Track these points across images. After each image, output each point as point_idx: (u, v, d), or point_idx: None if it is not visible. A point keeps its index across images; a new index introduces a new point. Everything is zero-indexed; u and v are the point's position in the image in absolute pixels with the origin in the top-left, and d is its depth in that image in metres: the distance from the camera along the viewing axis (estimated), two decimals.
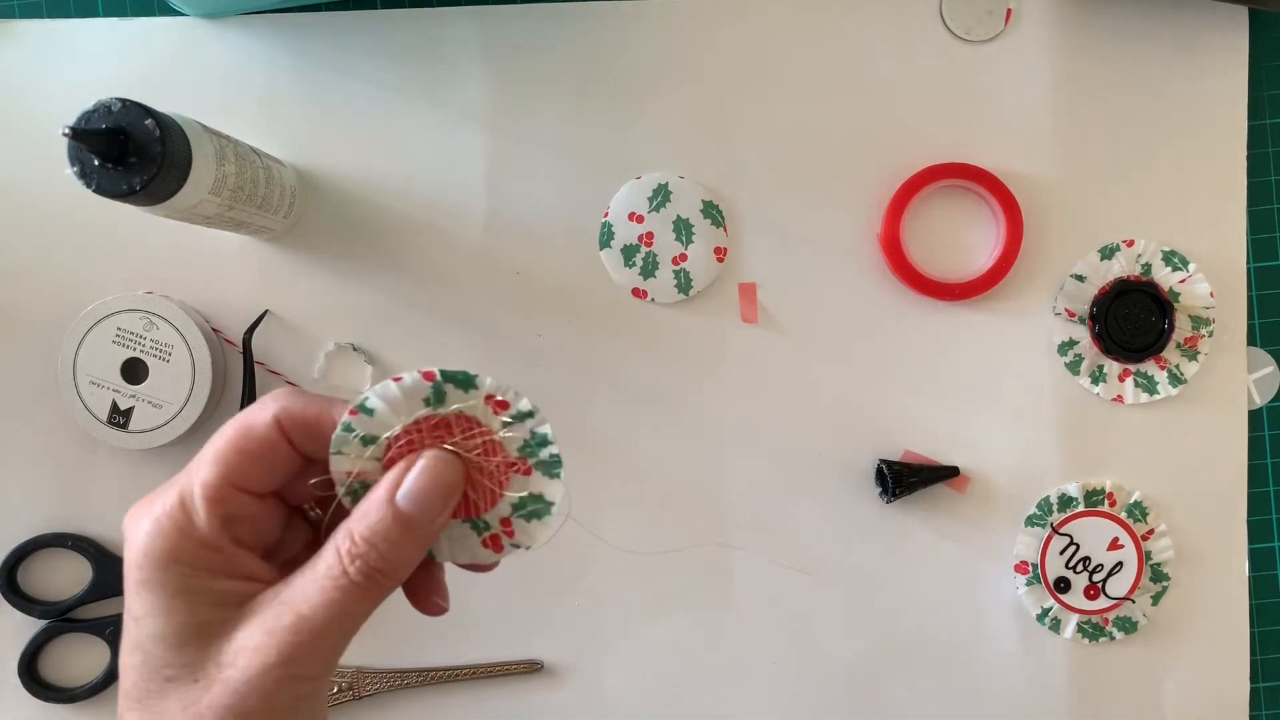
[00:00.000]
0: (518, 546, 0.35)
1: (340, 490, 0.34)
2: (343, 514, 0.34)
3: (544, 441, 0.34)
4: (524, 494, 0.35)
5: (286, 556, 0.36)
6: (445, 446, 0.33)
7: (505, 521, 0.35)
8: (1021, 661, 0.56)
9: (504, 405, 0.34)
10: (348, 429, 0.33)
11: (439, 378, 0.33)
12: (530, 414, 0.34)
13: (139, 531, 0.33)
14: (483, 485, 0.34)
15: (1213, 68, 0.56)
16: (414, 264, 0.56)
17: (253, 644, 0.31)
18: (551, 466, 0.35)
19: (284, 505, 0.35)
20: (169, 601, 0.32)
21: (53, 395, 0.55)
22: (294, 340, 0.56)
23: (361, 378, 0.56)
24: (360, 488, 0.34)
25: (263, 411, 0.33)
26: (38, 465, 0.56)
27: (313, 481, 0.34)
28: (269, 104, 0.56)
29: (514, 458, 0.34)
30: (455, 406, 0.33)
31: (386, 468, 0.34)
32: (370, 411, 0.33)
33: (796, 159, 0.56)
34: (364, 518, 0.33)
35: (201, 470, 0.33)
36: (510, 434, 0.34)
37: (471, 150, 0.56)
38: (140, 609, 0.32)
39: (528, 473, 0.35)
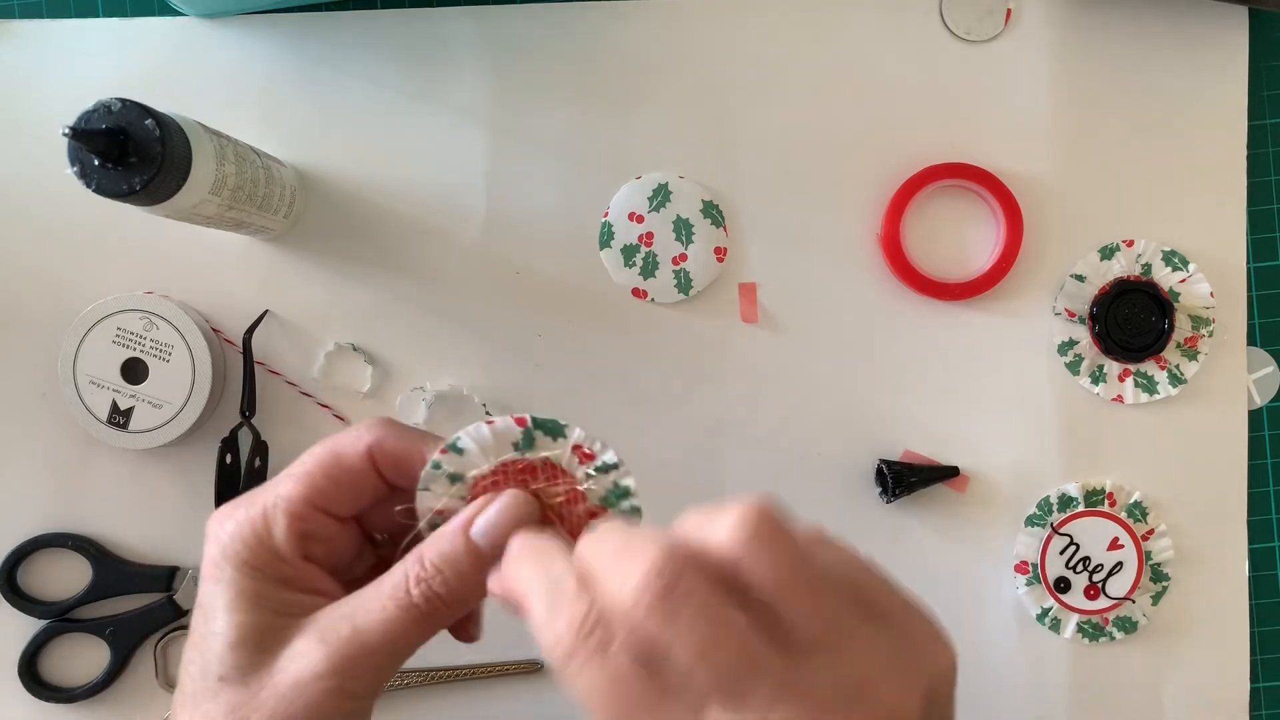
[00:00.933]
0: None
1: (422, 524, 0.35)
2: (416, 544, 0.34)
3: (625, 494, 0.35)
4: None
5: (352, 578, 0.36)
6: (535, 492, 0.34)
7: None
8: (1021, 661, 0.56)
9: (590, 456, 0.35)
10: (436, 466, 0.34)
11: (530, 424, 0.34)
12: (615, 466, 0.34)
13: (221, 532, 0.34)
14: (562, 533, 0.35)
15: (1213, 68, 0.56)
16: (414, 264, 0.56)
17: (306, 649, 0.32)
18: (631, 517, 0.35)
19: (360, 529, 0.36)
20: (234, 600, 0.33)
21: (53, 395, 0.55)
22: (294, 340, 0.56)
23: (361, 378, 0.56)
24: (442, 523, 0.35)
25: (357, 441, 0.35)
26: (38, 465, 0.56)
27: (398, 509, 0.35)
28: (269, 104, 0.56)
29: (594, 507, 0.35)
30: (543, 454, 0.34)
31: (469, 500, 0.35)
32: (460, 451, 0.34)
33: (796, 159, 0.56)
34: (436, 544, 0.33)
35: (287, 486, 0.34)
36: (593, 485, 0.35)
37: (471, 150, 0.56)
38: (209, 604, 0.33)
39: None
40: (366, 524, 0.36)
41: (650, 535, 0.28)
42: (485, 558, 0.33)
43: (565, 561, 0.30)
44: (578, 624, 0.27)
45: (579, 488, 0.34)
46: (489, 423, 0.34)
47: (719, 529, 0.28)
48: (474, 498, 0.34)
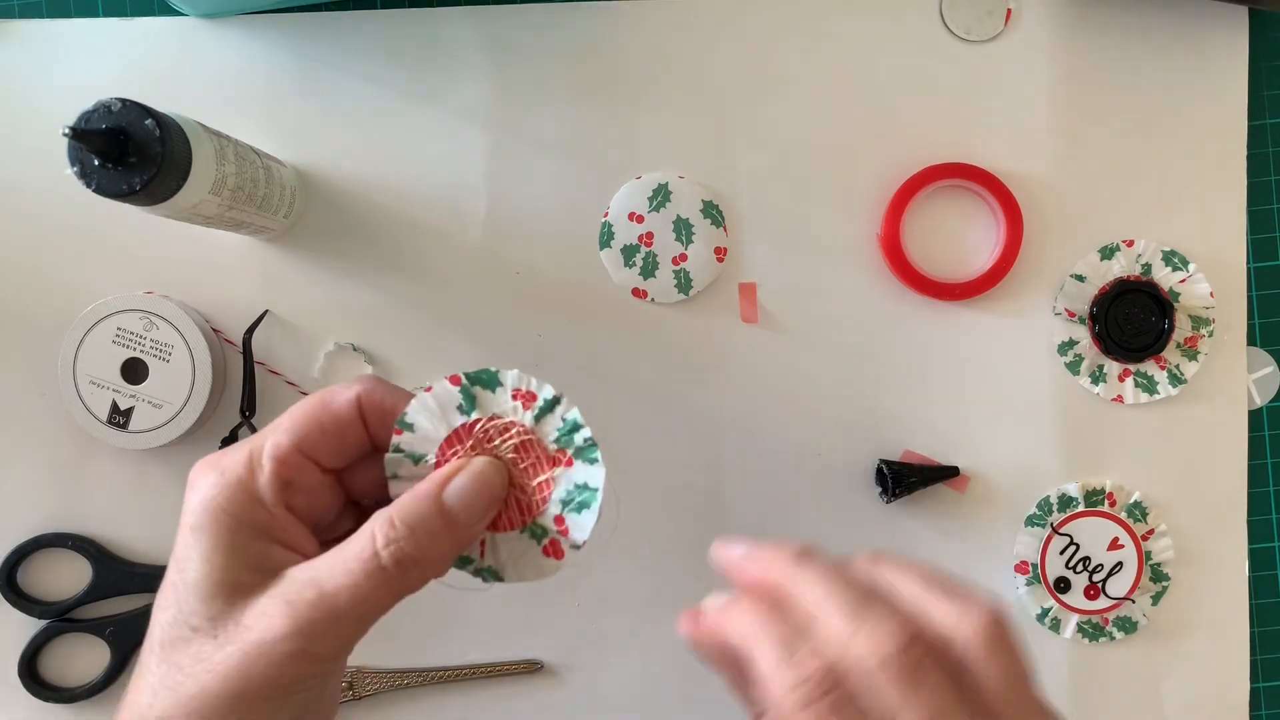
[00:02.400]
0: (575, 547, 0.36)
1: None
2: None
3: (575, 426, 0.36)
4: (570, 486, 0.36)
5: (333, 538, 0.36)
6: (489, 451, 0.35)
7: (559, 520, 0.36)
8: None
9: (531, 397, 0.35)
10: (397, 449, 0.35)
11: (464, 381, 0.35)
12: (557, 400, 0.35)
13: (202, 481, 0.34)
14: (528, 487, 0.36)
15: (1213, 68, 0.56)
16: (414, 264, 0.56)
17: (271, 611, 0.32)
18: (588, 452, 0.36)
19: (341, 490, 0.36)
20: (211, 552, 0.32)
21: (53, 395, 0.55)
22: (294, 340, 0.56)
23: None
24: None
25: (346, 390, 0.35)
26: (38, 465, 0.56)
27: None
28: (269, 104, 0.56)
29: (553, 451, 0.36)
30: (490, 413, 0.35)
31: None
32: (411, 426, 0.35)
33: (796, 159, 0.56)
34: (407, 505, 0.33)
35: (274, 432, 0.34)
36: (544, 427, 0.35)
37: (471, 150, 0.56)
38: (184, 554, 0.33)
39: (569, 464, 0.36)
40: (349, 484, 0.36)
41: (884, 603, 0.30)
42: (457, 520, 0.33)
43: (789, 614, 0.31)
44: (820, 677, 0.29)
45: (531, 435, 0.35)
46: (427, 390, 0.35)
47: (968, 615, 0.30)
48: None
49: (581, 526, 0.36)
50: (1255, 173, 0.57)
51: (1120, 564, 0.56)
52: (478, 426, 0.35)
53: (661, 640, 0.56)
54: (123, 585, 0.55)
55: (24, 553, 0.55)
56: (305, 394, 0.56)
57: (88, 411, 0.53)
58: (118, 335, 0.53)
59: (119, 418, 0.53)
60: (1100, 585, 0.56)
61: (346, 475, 0.36)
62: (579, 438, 0.36)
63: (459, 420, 0.35)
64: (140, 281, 0.55)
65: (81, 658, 0.56)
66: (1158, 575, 0.56)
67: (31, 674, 0.55)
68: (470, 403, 0.35)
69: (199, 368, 0.53)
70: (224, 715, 0.31)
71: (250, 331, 0.54)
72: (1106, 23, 0.56)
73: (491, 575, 0.37)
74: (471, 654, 0.56)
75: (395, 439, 0.35)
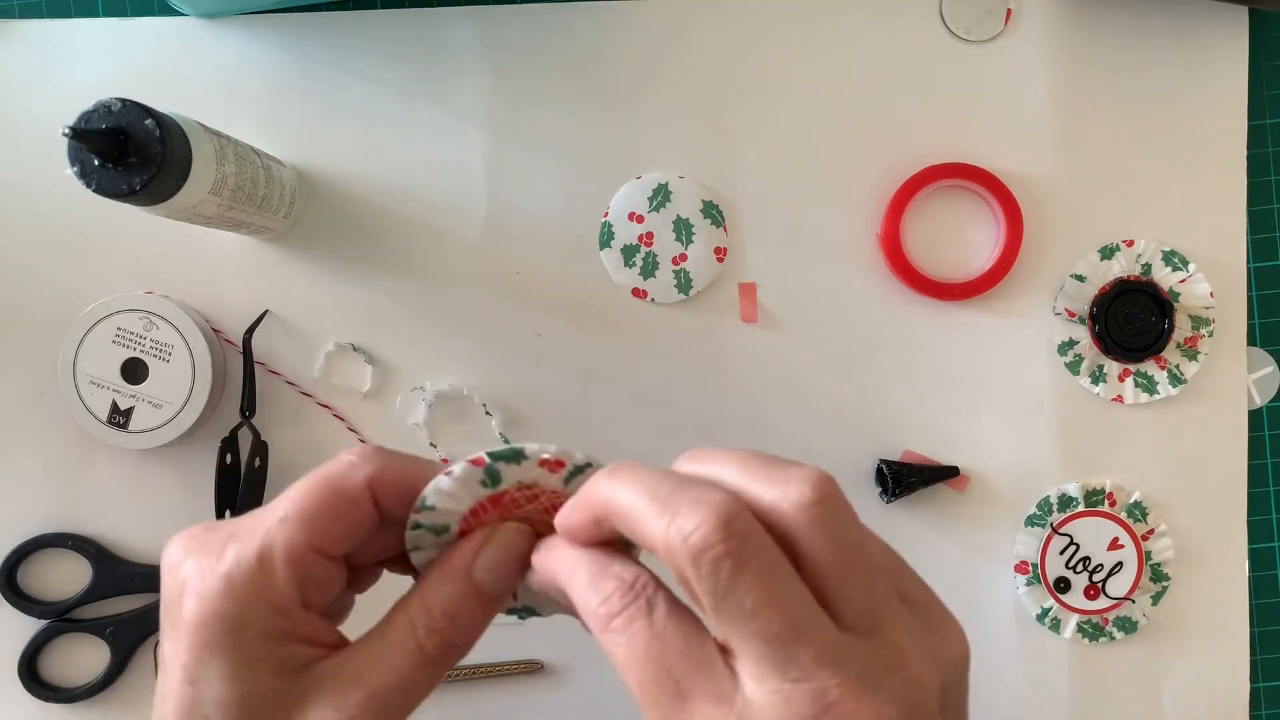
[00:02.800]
0: None
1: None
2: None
3: None
4: None
5: (334, 609, 0.35)
6: (519, 517, 0.33)
7: None
8: (1021, 661, 0.56)
9: (560, 464, 0.33)
10: (416, 526, 0.33)
11: (488, 461, 0.33)
12: (588, 465, 0.33)
13: (207, 587, 0.30)
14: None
15: (1213, 68, 0.56)
16: (414, 264, 0.56)
17: (320, 717, 0.30)
18: None
19: (345, 564, 0.34)
20: (236, 668, 0.30)
21: (53, 395, 0.55)
22: (294, 340, 0.56)
23: (361, 378, 0.56)
24: None
25: (354, 473, 0.32)
26: (38, 465, 0.56)
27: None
28: (269, 104, 0.56)
29: None
30: (514, 480, 0.33)
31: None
32: (432, 509, 0.33)
33: (796, 159, 0.56)
34: (440, 589, 0.32)
35: (285, 530, 0.31)
36: (573, 488, 0.33)
37: (471, 150, 0.56)
38: (201, 672, 0.30)
39: None
40: (352, 555, 0.34)
41: (706, 483, 0.28)
42: (491, 596, 0.32)
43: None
44: (623, 590, 0.28)
45: (562, 494, 0.33)
46: (448, 474, 0.32)
47: (787, 491, 0.28)
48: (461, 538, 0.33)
49: None
50: (1255, 173, 0.57)
51: (1120, 564, 0.56)
52: (505, 497, 0.33)
53: None
54: (123, 585, 0.55)
55: (24, 553, 0.55)
56: (306, 394, 0.56)
57: (88, 411, 0.53)
58: (118, 335, 0.53)
59: (119, 418, 0.53)
60: (1100, 585, 0.56)
61: (355, 549, 0.34)
62: None
63: (483, 493, 0.33)
64: (140, 281, 0.55)
65: (81, 658, 0.56)
66: (1158, 575, 0.56)
67: (31, 674, 0.55)
68: (494, 479, 0.33)
69: (199, 368, 0.53)
70: None
71: (250, 331, 0.54)
72: (1106, 23, 0.56)
73: (528, 612, 0.36)
74: (471, 654, 0.56)
75: (414, 517, 0.33)
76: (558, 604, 0.34)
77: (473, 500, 0.33)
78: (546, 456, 0.33)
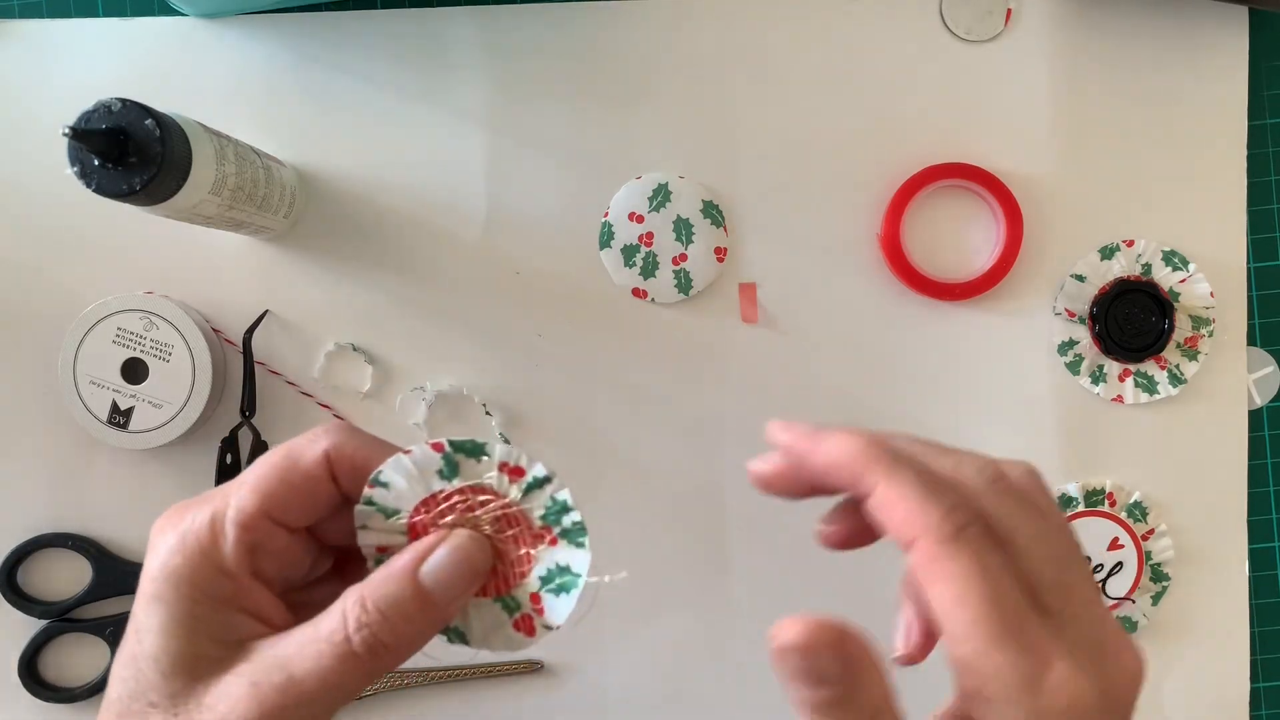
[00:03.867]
0: (548, 628, 0.34)
1: (370, 564, 0.33)
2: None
3: (565, 508, 0.33)
4: (551, 566, 0.33)
5: (304, 589, 0.35)
6: (471, 521, 0.33)
7: (535, 598, 0.34)
8: None
9: (519, 472, 0.33)
10: (369, 503, 0.33)
11: (448, 448, 0.32)
12: (547, 479, 0.33)
13: (163, 544, 0.32)
14: (509, 557, 0.33)
15: (1213, 68, 0.56)
16: (414, 264, 0.56)
17: (236, 693, 0.30)
18: (575, 535, 0.33)
19: (313, 542, 0.34)
20: (172, 624, 0.31)
21: (53, 395, 0.55)
22: (294, 340, 0.56)
23: (361, 378, 0.56)
24: (387, 559, 0.33)
25: (313, 445, 0.32)
26: (38, 465, 0.56)
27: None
28: (269, 104, 0.56)
29: (539, 527, 0.33)
30: (471, 481, 0.32)
31: (412, 540, 0.33)
32: (386, 485, 0.32)
33: (796, 159, 0.56)
34: (381, 585, 0.31)
35: (239, 494, 0.32)
36: (530, 503, 0.33)
37: (471, 150, 0.56)
38: (144, 624, 0.31)
39: (554, 543, 0.33)
40: (320, 534, 0.34)
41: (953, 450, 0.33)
42: (434, 601, 0.31)
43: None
44: (965, 505, 0.29)
45: (516, 505, 0.32)
46: (407, 452, 0.32)
47: (1008, 466, 0.33)
48: (412, 533, 0.33)
49: (558, 611, 0.34)
50: (1255, 173, 0.57)
51: (1120, 564, 0.56)
52: (457, 494, 0.32)
53: (661, 640, 0.56)
54: (123, 585, 0.55)
55: (24, 553, 0.55)
56: (306, 394, 0.56)
57: (88, 411, 0.53)
58: (118, 335, 0.53)
59: (119, 418, 0.53)
60: (1100, 585, 0.56)
61: (317, 527, 0.34)
62: (567, 520, 0.33)
63: (438, 485, 0.32)
64: (140, 281, 0.55)
65: (81, 658, 0.56)
66: (1158, 575, 0.56)
67: (31, 674, 0.55)
68: (452, 469, 0.32)
69: (199, 368, 0.53)
70: None
71: (250, 331, 0.54)
72: (1106, 23, 0.56)
73: (458, 638, 0.34)
74: (472, 654, 0.56)
75: (368, 492, 0.32)
76: (493, 636, 0.34)
77: (426, 489, 0.32)
78: (507, 461, 0.32)
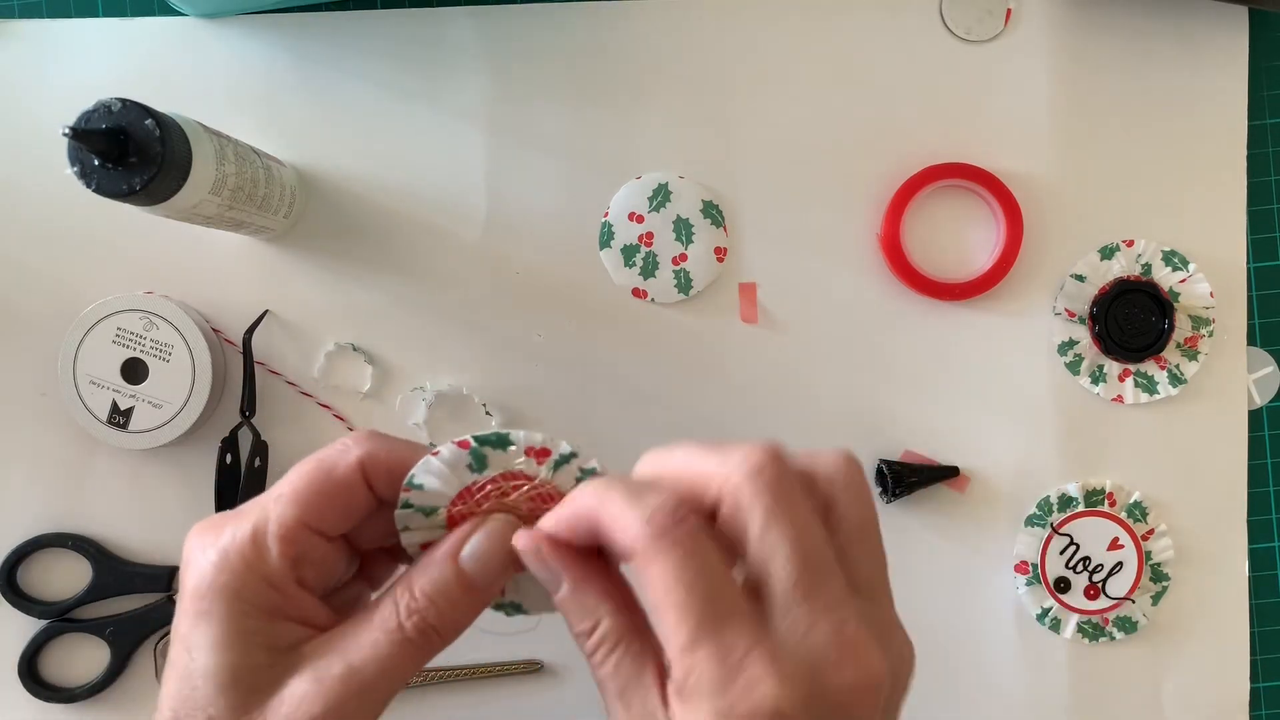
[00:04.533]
0: None
1: (415, 564, 0.34)
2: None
3: (594, 475, 0.35)
4: None
5: (344, 599, 0.36)
6: (508, 505, 0.34)
7: None
8: (1021, 661, 0.56)
9: (545, 453, 0.34)
10: (407, 505, 0.34)
11: (473, 444, 0.33)
12: (573, 455, 0.34)
13: (204, 560, 0.32)
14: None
15: (1213, 68, 0.56)
16: (414, 264, 0.56)
17: (300, 692, 0.31)
18: None
19: (346, 547, 0.35)
20: (225, 639, 0.31)
21: (53, 395, 0.55)
22: (294, 340, 0.56)
23: (361, 378, 0.56)
24: None
25: (346, 454, 0.33)
26: (38, 465, 0.56)
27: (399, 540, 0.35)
28: (269, 104, 0.56)
29: None
30: (500, 470, 0.34)
31: (449, 530, 0.34)
32: (420, 487, 0.34)
33: (796, 159, 0.56)
34: (426, 573, 0.33)
35: (278, 508, 0.33)
36: (560, 478, 0.34)
37: (471, 150, 0.56)
38: (194, 641, 0.32)
39: None
40: (353, 538, 0.35)
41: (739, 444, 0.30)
42: (475, 584, 0.33)
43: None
44: (671, 505, 0.28)
45: (548, 486, 0.34)
46: (435, 453, 0.33)
47: (826, 459, 0.31)
48: (451, 525, 0.34)
49: None
50: (1255, 173, 0.57)
51: (1120, 564, 0.56)
52: (491, 483, 0.34)
53: None
54: (123, 585, 0.55)
55: (24, 553, 0.55)
56: (306, 394, 0.56)
57: (88, 411, 0.53)
58: (118, 335, 0.53)
59: (119, 418, 0.53)
60: (1100, 585, 0.56)
61: (352, 532, 0.35)
62: None
63: (470, 478, 0.34)
64: (140, 281, 0.55)
65: (81, 658, 0.56)
66: (1158, 575, 0.56)
67: (31, 674, 0.55)
68: (481, 462, 0.34)
69: (199, 368, 0.53)
70: None
71: (250, 331, 0.54)
72: (1106, 23, 0.56)
73: (514, 609, 0.37)
74: (471, 654, 0.56)
75: (404, 496, 0.34)
76: (546, 600, 0.34)
77: (460, 484, 0.34)
78: (532, 445, 0.34)
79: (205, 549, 0.33)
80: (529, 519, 0.34)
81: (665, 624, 0.28)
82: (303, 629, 0.33)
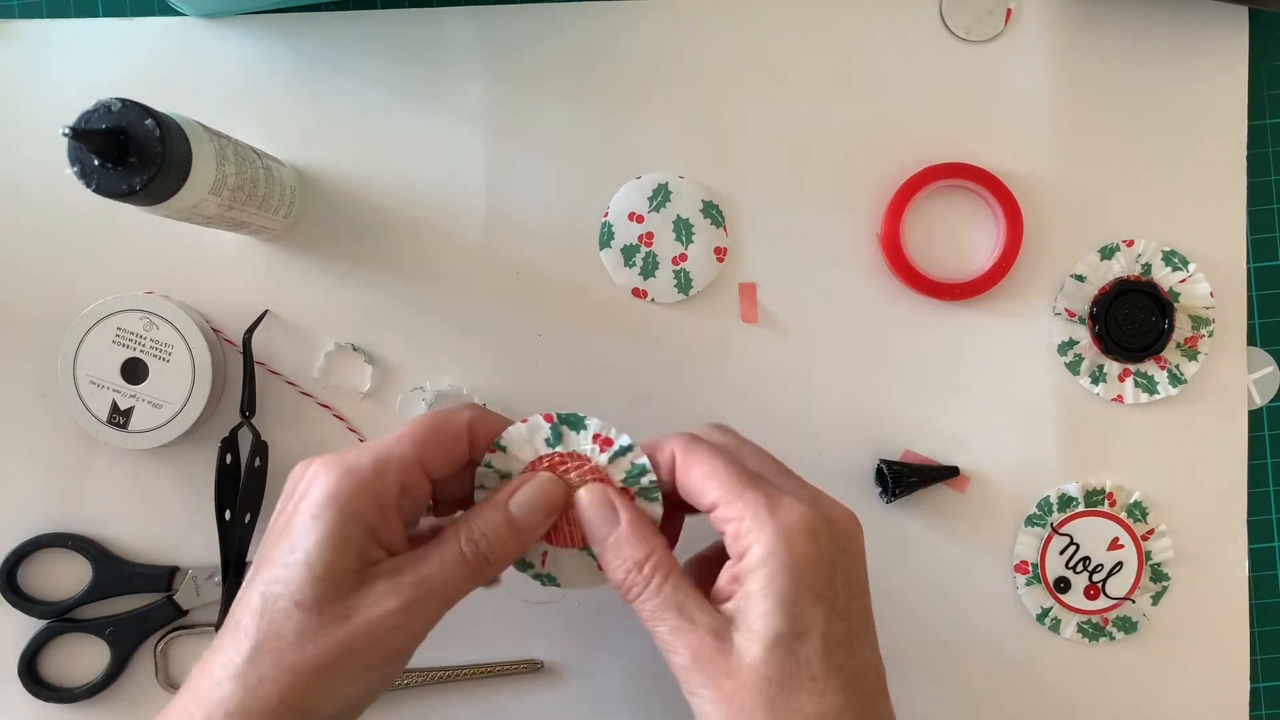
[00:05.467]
0: None
1: None
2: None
3: (643, 470, 0.43)
4: None
5: (413, 535, 0.42)
6: (560, 474, 0.43)
7: None
8: (1021, 662, 0.56)
9: (609, 442, 0.43)
10: (488, 465, 0.43)
11: (555, 419, 0.43)
12: (630, 448, 0.43)
13: (329, 474, 0.39)
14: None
15: (1213, 68, 0.56)
16: (414, 264, 0.56)
17: (381, 592, 0.38)
18: (650, 492, 0.43)
19: (433, 494, 0.42)
20: (331, 538, 0.37)
21: (53, 395, 0.55)
22: (294, 340, 0.56)
23: (361, 378, 0.56)
24: None
25: (459, 414, 0.42)
26: (38, 465, 0.56)
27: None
28: (269, 104, 0.56)
29: (619, 487, 0.43)
30: (571, 448, 0.43)
31: None
32: (504, 448, 0.43)
33: (796, 159, 0.56)
34: (483, 514, 0.41)
35: (400, 445, 0.40)
36: (614, 468, 0.43)
37: (471, 150, 0.56)
38: (301, 536, 0.38)
39: (632, 498, 0.43)
40: (438, 489, 0.42)
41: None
42: (520, 526, 0.41)
43: None
44: (697, 434, 0.44)
45: (603, 469, 0.43)
46: (523, 421, 0.43)
47: (714, 434, 0.45)
48: None
49: None
50: (1255, 173, 0.57)
51: (1120, 564, 0.56)
52: (557, 458, 0.43)
53: None
54: (123, 585, 0.55)
55: (24, 553, 0.55)
56: (306, 394, 0.56)
57: (88, 411, 0.53)
58: (118, 335, 0.53)
59: (119, 418, 0.53)
60: (1100, 585, 0.56)
61: (441, 482, 0.42)
62: (645, 480, 0.43)
63: (544, 450, 0.43)
64: (140, 281, 0.55)
65: (81, 658, 0.56)
66: (1158, 575, 0.56)
67: (31, 674, 0.55)
68: (556, 438, 0.43)
69: (199, 368, 0.53)
70: (319, 680, 0.37)
71: (250, 331, 0.54)
72: (1106, 23, 0.56)
73: (549, 580, 0.44)
74: (471, 654, 0.56)
75: (488, 456, 0.43)
76: (577, 576, 0.44)
77: (534, 454, 0.43)
78: (600, 433, 0.43)
79: (330, 466, 0.39)
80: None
81: (713, 489, 0.40)
82: (384, 552, 0.39)
